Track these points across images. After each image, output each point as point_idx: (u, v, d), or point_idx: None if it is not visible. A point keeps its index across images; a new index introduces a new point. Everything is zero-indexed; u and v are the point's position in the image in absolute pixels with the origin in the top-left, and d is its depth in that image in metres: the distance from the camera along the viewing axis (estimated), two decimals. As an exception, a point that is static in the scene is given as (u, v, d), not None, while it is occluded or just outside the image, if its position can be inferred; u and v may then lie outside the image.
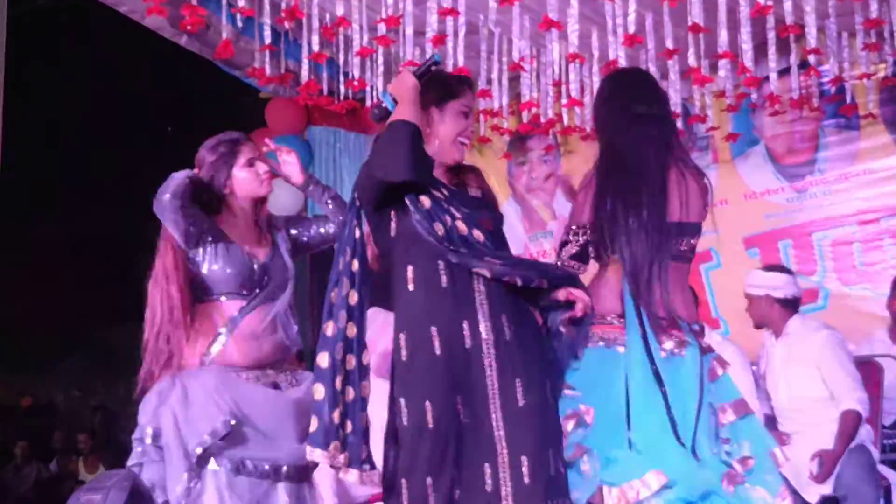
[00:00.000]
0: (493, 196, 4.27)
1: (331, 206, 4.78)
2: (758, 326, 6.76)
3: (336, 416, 3.86)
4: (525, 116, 8.03)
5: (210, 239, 4.51)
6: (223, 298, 4.52)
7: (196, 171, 4.60)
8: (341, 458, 3.87)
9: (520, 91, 7.82)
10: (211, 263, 4.51)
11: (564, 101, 7.94)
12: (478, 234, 3.96)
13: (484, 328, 3.84)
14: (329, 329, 3.94)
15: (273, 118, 10.26)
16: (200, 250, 4.50)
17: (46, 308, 16.10)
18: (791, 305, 6.62)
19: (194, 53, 8.21)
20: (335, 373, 3.89)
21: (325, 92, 7.95)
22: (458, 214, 3.94)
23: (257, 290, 4.55)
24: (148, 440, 4.37)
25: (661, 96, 4.52)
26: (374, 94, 7.87)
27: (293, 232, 4.81)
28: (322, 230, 4.84)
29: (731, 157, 8.90)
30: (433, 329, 3.81)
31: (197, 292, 4.53)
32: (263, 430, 4.40)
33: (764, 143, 8.81)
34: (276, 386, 4.51)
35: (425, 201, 3.91)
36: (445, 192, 4.01)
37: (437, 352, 3.79)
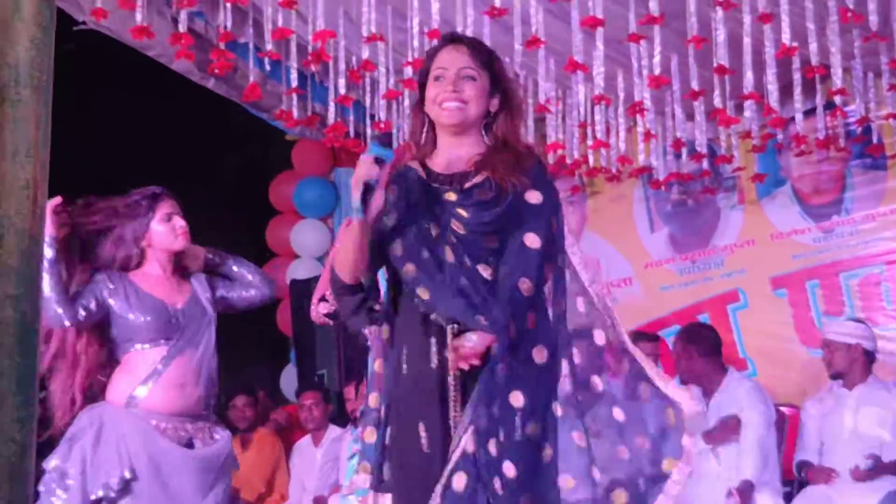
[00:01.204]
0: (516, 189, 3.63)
1: (253, 278, 4.99)
2: (836, 376, 6.80)
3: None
4: (551, 158, 8.04)
5: (123, 295, 4.65)
6: (147, 346, 4.64)
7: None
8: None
9: (545, 132, 7.84)
10: (127, 313, 4.64)
11: (590, 142, 7.96)
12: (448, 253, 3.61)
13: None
14: (376, 366, 3.90)
15: (300, 160, 10.32)
16: (112, 301, 4.64)
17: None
18: (873, 357, 6.74)
19: (222, 96, 8.27)
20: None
21: (352, 134, 7.99)
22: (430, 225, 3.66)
23: (178, 336, 4.67)
24: (55, 476, 4.49)
25: None
26: (401, 136, 7.90)
27: (218, 290, 4.94)
28: (245, 294, 5.00)
29: (757, 197, 8.89)
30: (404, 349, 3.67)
31: (121, 340, 4.67)
32: (169, 486, 4.51)
33: (790, 184, 8.80)
34: (190, 442, 4.63)
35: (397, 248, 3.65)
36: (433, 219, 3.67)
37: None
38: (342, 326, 9.06)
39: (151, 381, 4.58)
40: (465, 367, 3.47)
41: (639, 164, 8.41)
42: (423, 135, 3.83)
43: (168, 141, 10.95)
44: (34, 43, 1.58)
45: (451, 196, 3.66)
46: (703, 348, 6.91)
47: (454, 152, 3.76)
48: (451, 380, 3.49)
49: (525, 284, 3.51)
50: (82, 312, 4.56)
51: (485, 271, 3.57)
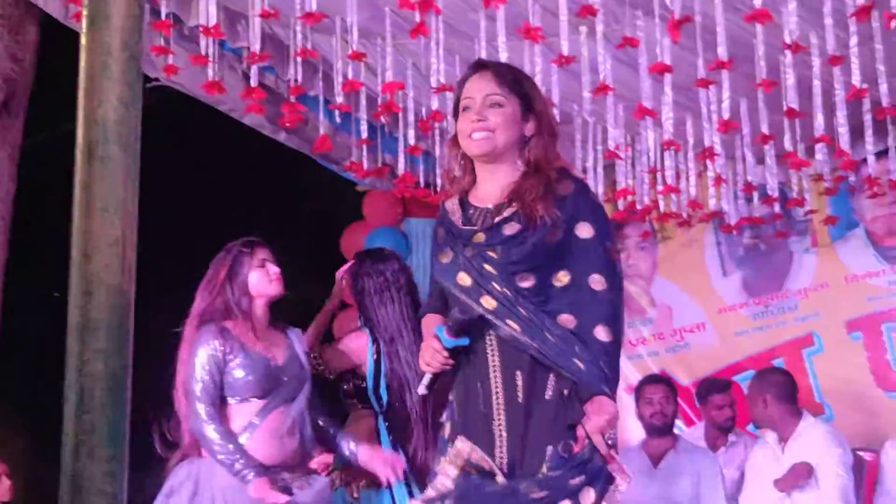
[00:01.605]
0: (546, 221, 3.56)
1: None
2: None
3: None
4: (621, 204, 8.03)
5: (231, 354, 4.65)
6: (247, 400, 4.65)
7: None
8: None
9: (615, 178, 7.84)
10: (235, 372, 4.64)
11: (660, 187, 7.94)
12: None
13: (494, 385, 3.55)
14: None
15: (370, 211, 10.35)
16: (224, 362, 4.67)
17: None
18: None
19: (293, 149, 8.33)
20: None
21: (422, 184, 8.02)
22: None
23: (276, 391, 4.68)
24: None
25: None
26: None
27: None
28: None
29: (830, 240, 8.81)
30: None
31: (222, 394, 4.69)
32: None
33: (863, 226, 8.73)
34: (287, 489, 4.58)
35: (444, 257, 3.69)
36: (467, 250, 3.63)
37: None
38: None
39: (248, 432, 4.59)
40: (601, 435, 3.41)
41: (710, 209, 8.37)
42: (461, 168, 3.76)
43: (239, 194, 11.04)
44: (122, 101, 1.61)
45: (480, 238, 3.59)
46: (777, 393, 6.83)
47: (490, 183, 3.70)
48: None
49: (603, 332, 3.46)
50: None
51: (525, 311, 3.49)
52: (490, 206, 3.65)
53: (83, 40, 1.62)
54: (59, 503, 1.53)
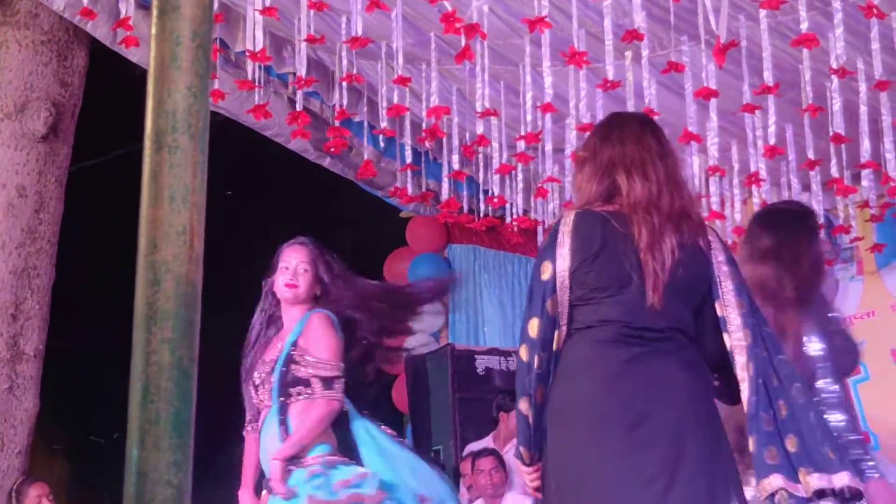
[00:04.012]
0: None
1: None
2: None
3: None
4: (665, 230, 7.99)
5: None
6: None
7: None
8: None
9: (660, 205, 7.82)
10: None
11: (705, 213, 7.91)
12: None
13: None
14: None
15: (414, 237, 10.39)
16: None
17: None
18: None
19: (337, 175, 8.37)
20: None
21: (465, 210, 8.03)
22: None
23: None
24: None
25: None
26: (514, 210, 7.93)
27: None
28: None
29: (876, 267, 8.76)
30: None
31: None
32: None
33: (910, 253, 8.68)
34: None
35: None
36: None
37: None
38: (457, 401, 9.12)
39: None
40: None
41: (755, 236, 8.32)
42: None
43: (284, 220, 11.10)
44: (191, 90, 1.62)
45: None
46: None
47: None
48: None
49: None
50: None
51: None
52: None
53: (153, 29, 1.63)
54: (123, 495, 1.53)
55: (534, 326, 3.46)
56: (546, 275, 3.47)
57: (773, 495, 3.32)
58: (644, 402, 3.35)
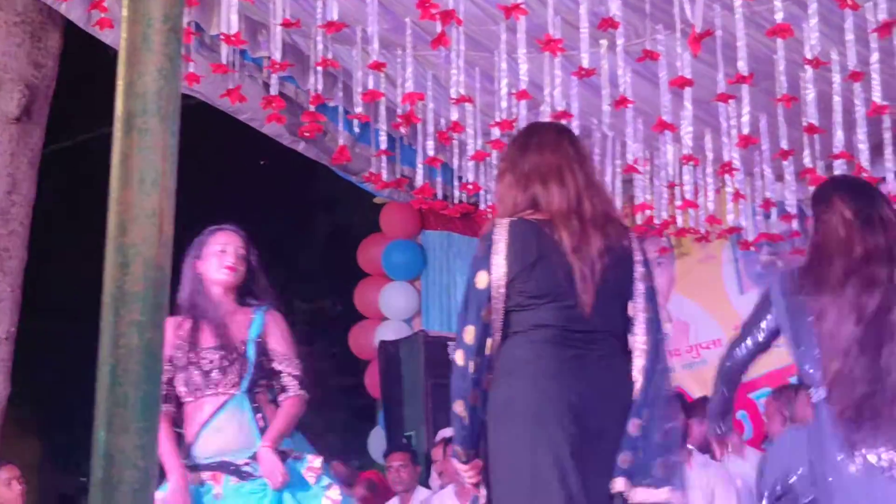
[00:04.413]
0: None
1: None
2: None
3: None
4: (639, 218, 8.02)
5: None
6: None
7: None
8: None
9: (633, 193, 7.84)
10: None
11: (678, 202, 7.94)
12: None
13: None
14: None
15: (388, 222, 10.39)
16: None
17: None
18: None
19: (312, 160, 8.36)
20: None
21: (440, 196, 8.03)
22: None
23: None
24: None
25: None
26: (488, 197, 7.94)
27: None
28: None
29: (848, 257, 8.77)
30: None
31: None
32: None
33: (882, 243, 8.69)
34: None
35: None
36: None
37: None
38: (430, 386, 9.13)
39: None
40: None
41: (728, 225, 8.35)
42: None
43: (257, 204, 11.09)
44: (161, 73, 1.62)
45: None
46: (794, 410, 6.83)
47: None
48: None
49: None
50: None
51: None
52: None
53: (124, 11, 1.62)
54: (90, 478, 1.53)
55: (469, 333, 3.61)
56: (482, 284, 3.61)
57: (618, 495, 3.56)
58: (579, 400, 3.53)
